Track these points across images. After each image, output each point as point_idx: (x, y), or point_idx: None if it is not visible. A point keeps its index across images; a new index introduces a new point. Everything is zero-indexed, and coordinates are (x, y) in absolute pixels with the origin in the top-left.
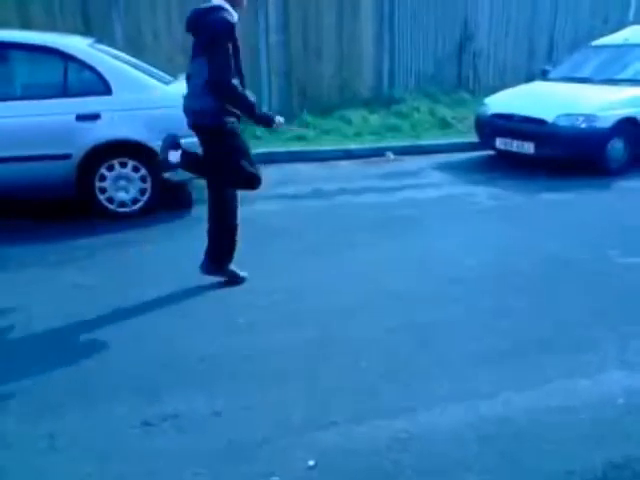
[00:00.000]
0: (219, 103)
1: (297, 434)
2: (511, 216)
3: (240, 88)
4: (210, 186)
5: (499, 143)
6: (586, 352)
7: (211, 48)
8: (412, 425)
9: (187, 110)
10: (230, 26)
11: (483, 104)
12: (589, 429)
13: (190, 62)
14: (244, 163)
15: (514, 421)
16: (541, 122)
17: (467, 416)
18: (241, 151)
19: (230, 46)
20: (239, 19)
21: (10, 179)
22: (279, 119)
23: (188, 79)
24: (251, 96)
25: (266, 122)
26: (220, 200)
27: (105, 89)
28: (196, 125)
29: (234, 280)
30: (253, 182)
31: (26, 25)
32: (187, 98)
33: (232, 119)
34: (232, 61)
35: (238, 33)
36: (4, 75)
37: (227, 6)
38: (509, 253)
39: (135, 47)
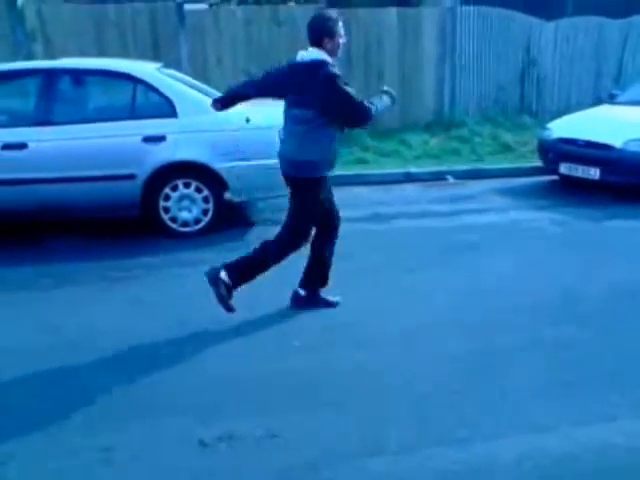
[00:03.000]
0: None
1: (349, 460)
2: (576, 243)
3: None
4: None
5: (563, 168)
6: None
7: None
8: (467, 456)
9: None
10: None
11: (547, 128)
12: None
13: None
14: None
15: (577, 458)
16: (608, 147)
17: (526, 450)
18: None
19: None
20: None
21: (78, 198)
22: (388, 89)
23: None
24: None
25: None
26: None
27: (171, 112)
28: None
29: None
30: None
31: (102, 53)
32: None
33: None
34: None
35: None
36: (78, 99)
37: (328, 58)
38: (574, 281)
39: (200, 71)
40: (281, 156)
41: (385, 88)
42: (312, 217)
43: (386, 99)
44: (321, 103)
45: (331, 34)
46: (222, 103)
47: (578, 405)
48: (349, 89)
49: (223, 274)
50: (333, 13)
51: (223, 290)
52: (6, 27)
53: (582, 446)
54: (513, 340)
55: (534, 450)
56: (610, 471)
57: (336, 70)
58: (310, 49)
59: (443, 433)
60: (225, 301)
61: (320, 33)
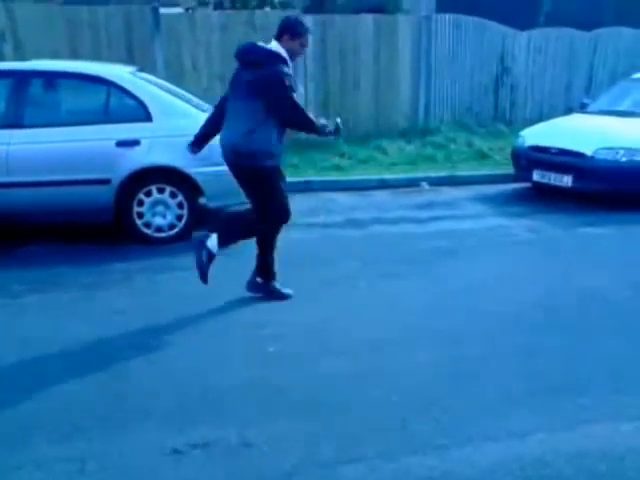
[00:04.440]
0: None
1: (326, 467)
2: (548, 250)
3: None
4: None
5: (536, 176)
6: (626, 394)
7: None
8: (444, 463)
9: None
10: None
11: (520, 136)
12: (635, 477)
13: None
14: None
15: (551, 464)
16: (580, 155)
17: (501, 456)
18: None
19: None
20: None
21: (51, 203)
22: (338, 122)
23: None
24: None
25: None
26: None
27: (145, 116)
28: (239, 166)
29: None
30: (285, 217)
31: (74, 55)
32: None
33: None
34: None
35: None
36: (50, 102)
37: (283, 53)
38: (546, 288)
39: (175, 76)
40: (222, 145)
41: (337, 120)
42: (279, 198)
43: (324, 127)
44: (265, 97)
45: (293, 34)
46: (197, 144)
47: (553, 411)
48: (289, 90)
49: (210, 241)
50: (307, 22)
51: (205, 257)
52: None
53: (557, 452)
54: (488, 347)
55: (510, 456)
56: (586, 477)
57: (286, 69)
58: (272, 42)
59: (420, 441)
60: (203, 269)
61: (283, 29)
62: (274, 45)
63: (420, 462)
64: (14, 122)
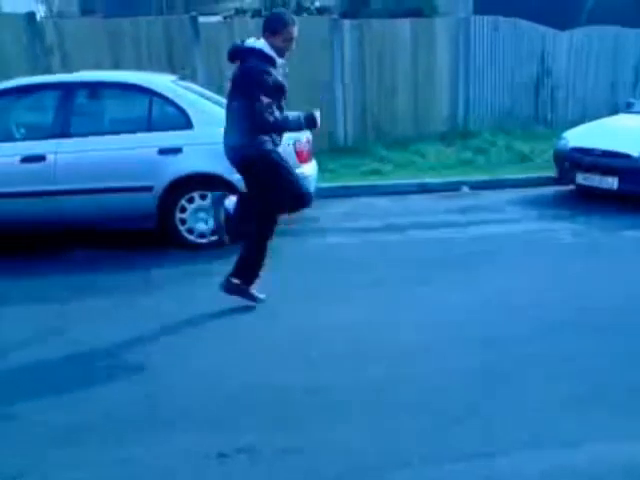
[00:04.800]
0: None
1: (371, 474)
2: (592, 254)
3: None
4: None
5: (579, 178)
6: None
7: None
8: (490, 471)
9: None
10: (262, 76)
11: (562, 138)
12: None
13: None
14: (289, 183)
15: (604, 477)
16: (626, 156)
17: (550, 466)
18: (283, 173)
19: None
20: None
21: (96, 210)
22: (315, 114)
23: None
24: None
25: (310, 125)
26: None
27: (187, 124)
28: (236, 162)
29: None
30: (303, 200)
31: (117, 66)
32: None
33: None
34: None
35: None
36: (94, 112)
37: (266, 48)
38: (590, 292)
39: (215, 83)
40: (224, 145)
41: (315, 112)
42: (277, 192)
43: (302, 120)
44: (240, 95)
45: (273, 31)
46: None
47: (603, 421)
48: (259, 88)
49: (228, 201)
50: (287, 16)
51: (222, 215)
52: (26, 41)
53: (609, 464)
54: (532, 353)
55: (560, 467)
56: None
57: (262, 66)
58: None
59: (465, 448)
60: (220, 227)
61: (264, 27)
62: (259, 42)
63: (466, 469)
64: (61, 131)
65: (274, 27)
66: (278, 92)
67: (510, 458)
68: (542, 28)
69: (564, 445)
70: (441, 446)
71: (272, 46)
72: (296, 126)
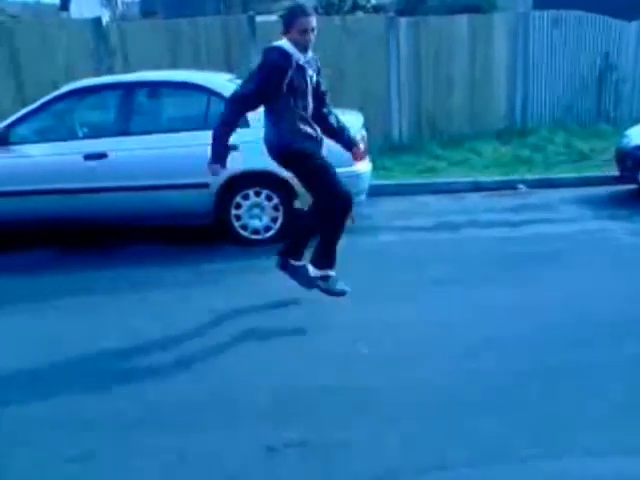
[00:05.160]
0: (281, 131)
1: (419, 473)
2: None
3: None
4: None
5: None
6: None
7: None
8: (540, 475)
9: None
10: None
11: (625, 135)
12: None
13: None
14: (325, 182)
15: None
16: None
17: (600, 472)
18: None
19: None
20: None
21: (154, 206)
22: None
23: None
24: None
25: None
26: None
27: (243, 122)
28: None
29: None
30: (339, 201)
31: (174, 65)
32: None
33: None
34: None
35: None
36: (153, 110)
37: (285, 45)
38: None
39: None
40: None
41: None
42: (321, 177)
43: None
44: None
45: (287, 26)
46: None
47: None
48: (262, 80)
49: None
50: (298, 9)
51: (300, 277)
52: (92, 45)
53: None
54: (587, 356)
55: (610, 474)
56: None
57: (274, 61)
58: None
59: (513, 450)
60: (308, 284)
61: (282, 25)
62: (280, 42)
63: (513, 472)
64: (122, 130)
65: (286, 22)
66: (291, 90)
67: (558, 462)
68: (607, 20)
69: (619, 452)
70: (484, 449)
71: (292, 42)
72: (212, 147)
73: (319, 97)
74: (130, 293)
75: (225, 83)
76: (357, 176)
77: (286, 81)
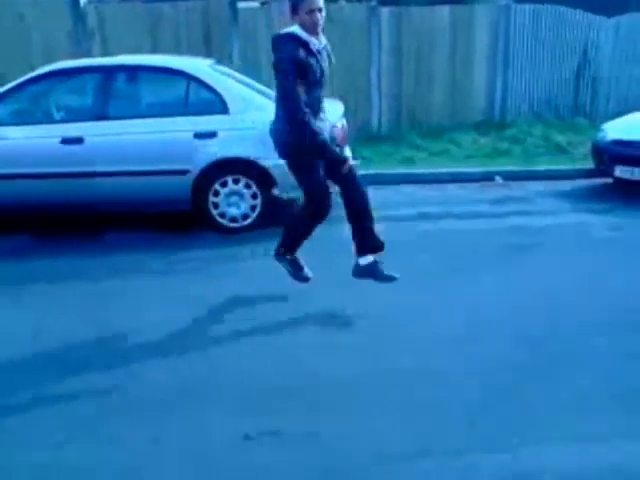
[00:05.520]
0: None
1: (393, 462)
2: (631, 249)
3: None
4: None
5: (618, 171)
6: None
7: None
8: (515, 463)
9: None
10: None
11: (602, 130)
12: None
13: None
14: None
15: (630, 474)
16: None
17: (577, 460)
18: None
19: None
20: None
21: (132, 192)
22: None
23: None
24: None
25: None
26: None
27: (222, 108)
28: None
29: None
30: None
31: (155, 49)
32: None
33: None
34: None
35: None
36: (132, 95)
37: (297, 30)
38: (627, 289)
39: (251, 69)
40: None
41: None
42: (308, 183)
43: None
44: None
45: (293, 9)
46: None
47: (633, 417)
48: (286, 61)
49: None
50: None
51: (287, 266)
52: (70, 26)
53: (633, 460)
54: (564, 348)
55: (587, 461)
56: None
57: (287, 50)
58: None
59: (489, 439)
60: (295, 275)
61: (290, 10)
62: (292, 27)
63: (489, 461)
64: (100, 114)
65: (293, 4)
66: (304, 73)
67: (535, 450)
68: (586, 15)
69: (591, 440)
70: (466, 437)
71: (302, 25)
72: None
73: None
74: (107, 280)
75: (206, 69)
76: None
77: (307, 69)
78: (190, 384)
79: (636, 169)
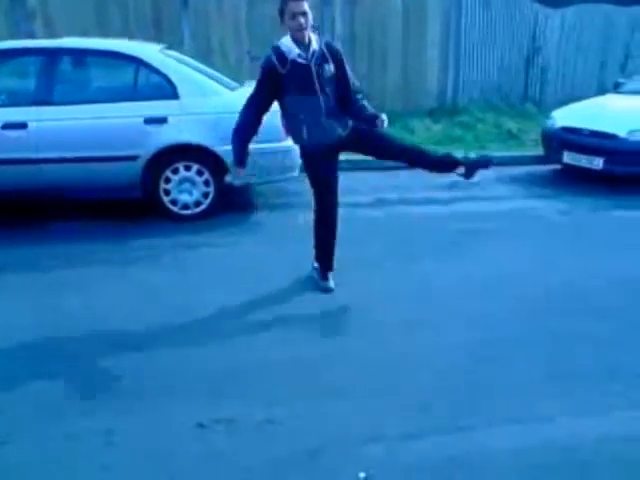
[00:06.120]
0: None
1: (349, 446)
2: (580, 233)
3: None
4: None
5: (567, 157)
6: None
7: None
8: (467, 444)
9: None
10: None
11: (550, 117)
12: None
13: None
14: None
15: (576, 449)
16: (612, 137)
17: (526, 439)
18: (311, 176)
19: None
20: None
21: (80, 179)
22: (239, 170)
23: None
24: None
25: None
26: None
27: (173, 94)
28: None
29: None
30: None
31: (103, 33)
32: None
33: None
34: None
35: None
36: (80, 79)
37: (282, 42)
38: (575, 272)
39: (203, 53)
40: None
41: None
42: (315, 186)
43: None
44: None
45: (280, 14)
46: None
47: (580, 396)
48: (257, 82)
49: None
50: None
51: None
52: (7, 5)
53: (583, 437)
54: (515, 331)
55: (535, 439)
56: (611, 462)
57: (269, 60)
58: None
59: (444, 422)
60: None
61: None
62: (284, 38)
63: (442, 442)
64: (44, 99)
65: (279, 12)
66: (294, 90)
67: (487, 431)
68: (535, 6)
69: (540, 420)
70: (420, 420)
71: (290, 31)
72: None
73: (342, 86)
74: (57, 270)
75: (155, 53)
76: (289, 151)
77: (281, 82)
78: (139, 376)
79: (583, 156)
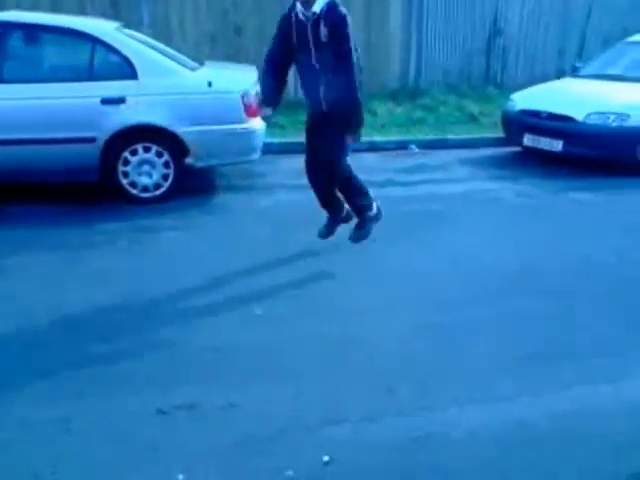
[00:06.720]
0: None
1: (310, 429)
2: (538, 214)
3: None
4: None
5: (526, 140)
6: (610, 358)
7: None
8: (428, 425)
9: None
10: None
11: (510, 100)
12: (611, 437)
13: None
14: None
15: (533, 425)
16: (570, 120)
17: (485, 418)
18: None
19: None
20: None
21: (34, 162)
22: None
23: None
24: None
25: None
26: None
27: (131, 73)
28: None
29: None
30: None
31: (56, 9)
32: None
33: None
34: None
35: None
36: (32, 57)
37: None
38: (532, 253)
39: (162, 33)
40: None
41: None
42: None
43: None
44: None
45: None
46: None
47: (536, 376)
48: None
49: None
50: None
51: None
52: None
53: (540, 415)
54: (473, 313)
55: (494, 418)
56: (567, 437)
57: (287, 10)
58: None
59: (404, 403)
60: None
61: None
62: None
63: (404, 424)
64: None
65: None
66: (295, 47)
67: (447, 412)
68: None
69: (498, 399)
70: (381, 402)
71: None
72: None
73: (332, 55)
74: (13, 256)
75: (112, 31)
76: (251, 133)
77: (291, 37)
78: (96, 363)
79: (542, 138)
